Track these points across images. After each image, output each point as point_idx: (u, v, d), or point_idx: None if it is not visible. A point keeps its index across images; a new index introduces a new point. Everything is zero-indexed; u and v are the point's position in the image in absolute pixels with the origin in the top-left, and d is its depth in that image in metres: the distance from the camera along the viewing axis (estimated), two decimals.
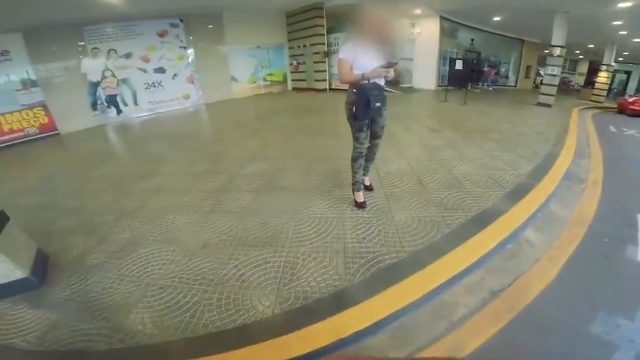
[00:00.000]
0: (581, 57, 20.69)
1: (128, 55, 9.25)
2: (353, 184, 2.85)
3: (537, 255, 2.32)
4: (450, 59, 9.70)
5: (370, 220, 2.61)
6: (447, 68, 11.42)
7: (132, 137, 7.31)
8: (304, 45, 11.19)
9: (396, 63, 2.38)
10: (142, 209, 3.19)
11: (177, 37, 9.81)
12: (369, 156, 2.83)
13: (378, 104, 2.38)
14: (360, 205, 2.83)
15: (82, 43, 8.59)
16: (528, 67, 15.58)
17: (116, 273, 2.23)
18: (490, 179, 3.36)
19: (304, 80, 11.91)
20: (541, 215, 2.82)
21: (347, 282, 1.93)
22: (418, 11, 10.93)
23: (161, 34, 9.58)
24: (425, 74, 12.24)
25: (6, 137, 7.51)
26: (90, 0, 6.54)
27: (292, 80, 12.53)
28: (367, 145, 2.68)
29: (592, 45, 14.98)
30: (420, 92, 11.54)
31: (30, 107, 7.85)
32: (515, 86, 15.56)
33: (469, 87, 12.23)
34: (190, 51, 10.09)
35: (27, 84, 7.80)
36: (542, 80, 9.73)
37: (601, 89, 12.96)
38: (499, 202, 2.88)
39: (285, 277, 2.02)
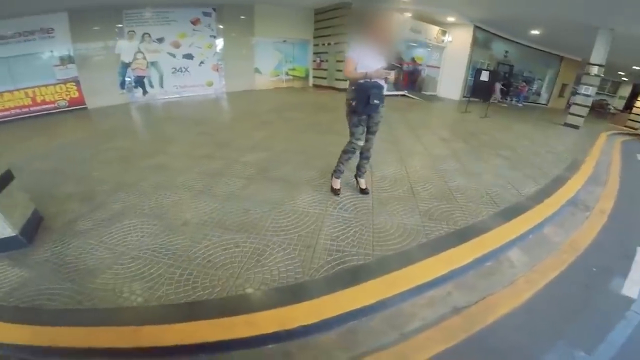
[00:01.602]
0: (625, 79, 19.45)
1: (160, 40, 9.58)
2: (334, 171, 3.06)
3: (514, 277, 2.23)
4: (477, 69, 9.40)
5: (349, 220, 2.61)
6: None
7: (151, 117, 7.61)
8: (328, 44, 11.20)
9: (399, 67, 2.54)
10: (140, 183, 3.33)
11: (209, 26, 10.07)
12: (364, 153, 2.95)
13: (377, 101, 2.56)
14: (335, 192, 3.05)
15: (120, 25, 8.96)
16: (564, 86, 14.83)
17: (97, 240, 2.35)
18: (487, 196, 3.26)
19: (325, 78, 11.91)
20: (532, 237, 2.72)
21: (308, 277, 1.94)
22: (452, 19, 10.67)
23: (194, 22, 9.87)
24: (451, 83, 11.96)
25: (38, 108, 7.98)
26: None
27: (314, 77, 12.56)
28: (362, 142, 2.80)
29: (637, 68, 14.08)
30: (443, 102, 11.29)
31: (65, 82, 8.30)
32: (547, 104, 14.89)
33: (496, 101, 11.85)
34: (219, 40, 10.33)
35: (65, 61, 8.25)
36: (573, 100, 9.24)
37: (638, 115, 12.07)
38: (489, 219, 2.79)
39: (250, 263, 2.06)
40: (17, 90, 7.69)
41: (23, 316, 1.69)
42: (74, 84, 8.41)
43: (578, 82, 9.91)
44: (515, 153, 5.02)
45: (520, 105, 12.64)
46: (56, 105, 8.25)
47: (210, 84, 10.62)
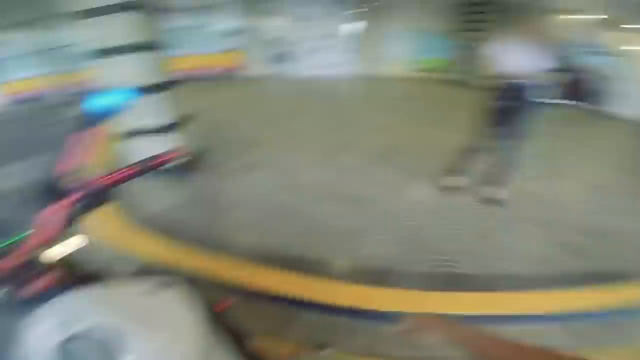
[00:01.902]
0: None
1: (309, 18, 10.42)
2: (455, 170, 2.91)
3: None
4: None
5: (468, 227, 2.49)
6: None
7: (289, 90, 8.58)
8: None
9: (559, 70, 2.34)
10: (276, 143, 4.05)
11: (352, 9, 10.41)
12: (501, 161, 2.70)
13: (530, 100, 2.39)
14: (451, 189, 2.89)
15: (278, 4, 10.14)
16: None
17: (239, 183, 3.01)
18: None
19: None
20: None
21: (399, 266, 1.98)
22: None
23: (337, 4, 10.33)
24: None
25: (206, 72, 9.93)
26: None
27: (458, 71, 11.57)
28: (496, 141, 2.60)
29: None
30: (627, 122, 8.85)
31: (230, 50, 10.10)
32: None
33: None
34: (360, 24, 10.59)
35: (231, 33, 10.00)
36: None
37: None
38: None
39: (353, 236, 2.25)
40: (191, 55, 9.58)
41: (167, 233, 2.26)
42: (236, 53, 10.15)
43: None
44: None
45: None
46: (220, 70, 10.10)
47: (348, 66, 10.97)
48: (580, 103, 9.59)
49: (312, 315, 1.71)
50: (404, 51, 11.13)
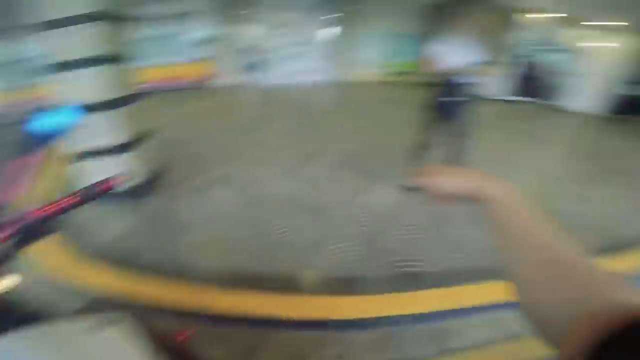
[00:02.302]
0: None
1: (281, 25, 10.42)
2: (411, 169, 2.91)
3: None
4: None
5: (426, 226, 2.58)
6: None
7: (263, 99, 8.51)
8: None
9: (491, 62, 2.55)
10: (241, 156, 3.88)
11: (323, 14, 10.48)
12: (452, 158, 2.79)
13: (461, 99, 2.49)
14: (410, 189, 2.92)
15: (250, 11, 9.95)
16: None
17: (198, 201, 2.91)
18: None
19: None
20: None
21: (363, 273, 2.03)
22: (601, 22, 8.74)
23: (311, 8, 10.38)
24: (589, 92, 9.90)
25: (174, 83, 9.60)
26: None
27: (424, 72, 11.89)
28: (438, 137, 2.73)
29: None
30: (575, 115, 9.46)
31: (197, 61, 9.84)
32: None
33: None
34: (334, 29, 10.72)
35: (200, 42, 9.75)
36: None
37: None
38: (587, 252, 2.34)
39: (315, 247, 2.26)
40: (158, 66, 9.23)
41: (121, 262, 2.14)
42: (204, 63, 9.90)
43: None
44: None
45: None
46: (189, 81, 9.80)
47: (322, 72, 11.02)
48: (536, 98, 10.19)
49: (281, 333, 1.71)
50: (377, 55, 11.37)
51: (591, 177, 3.70)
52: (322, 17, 10.49)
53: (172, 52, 9.55)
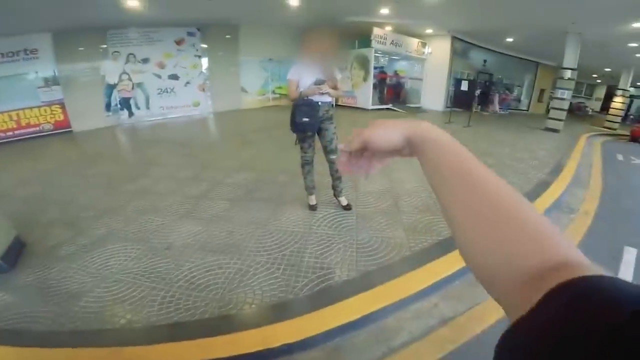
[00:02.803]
0: (599, 81, 20.18)
1: (145, 61, 9.59)
2: (305, 188, 3.09)
3: None
4: (456, 79, 9.64)
5: (333, 237, 2.61)
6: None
7: (135, 140, 7.58)
8: None
9: (324, 81, 2.59)
10: (124, 208, 3.28)
11: (193, 45, 10.16)
12: (331, 174, 2.98)
13: (305, 119, 2.59)
14: (312, 208, 3.08)
15: (105, 46, 8.93)
16: (542, 91, 15.32)
17: (80, 264, 2.31)
18: None
19: None
20: None
21: (291, 295, 1.93)
22: (429, 31, 11.01)
23: (178, 42, 9.94)
24: (433, 94, 12.22)
25: (22, 131, 7.85)
26: (116, 3, 6.80)
27: None
28: (310, 153, 2.88)
29: (609, 70, 14.68)
30: (427, 113, 11.52)
31: (49, 104, 8.19)
32: (527, 110, 15.32)
33: (478, 110, 12.14)
34: (204, 60, 10.42)
35: (50, 82, 8.18)
36: (550, 104, 9.55)
37: (615, 115, 12.44)
38: None
39: (233, 284, 2.04)
40: (1, 113, 7.59)
41: (7, 337, 1.67)
42: (59, 106, 8.30)
43: (554, 86, 10.25)
44: (498, 160, 5.12)
45: (507, 112, 12.85)
46: (41, 128, 8.11)
47: (196, 105, 10.63)
48: (397, 104, 12.06)
49: None
50: (255, 82, 11.56)
51: None
52: (190, 48, 10.12)
53: (10, 96, 7.68)
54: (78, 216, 3.13)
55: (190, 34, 10.01)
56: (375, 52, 10.69)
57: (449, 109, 10.35)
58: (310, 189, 3.07)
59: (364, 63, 11.00)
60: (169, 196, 3.55)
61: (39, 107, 8.08)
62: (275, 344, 1.58)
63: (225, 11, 8.58)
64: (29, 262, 2.37)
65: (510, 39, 10.85)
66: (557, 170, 4.72)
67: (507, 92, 13.73)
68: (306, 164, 2.92)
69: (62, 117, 8.41)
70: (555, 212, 3.45)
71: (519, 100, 15.59)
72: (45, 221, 3.06)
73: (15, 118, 7.78)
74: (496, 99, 12.96)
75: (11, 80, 7.69)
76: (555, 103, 8.93)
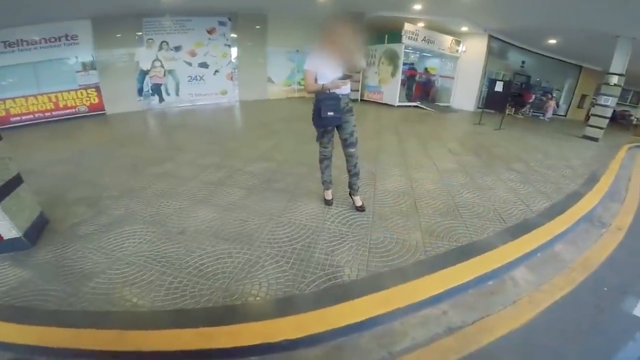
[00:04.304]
0: None
1: (177, 49, 9.85)
2: (322, 183, 3.04)
3: (517, 297, 2.12)
4: (490, 79, 9.20)
5: (345, 235, 2.56)
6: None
7: (164, 125, 7.80)
8: None
9: (351, 76, 2.47)
10: (145, 190, 3.39)
11: (224, 35, 10.31)
12: (349, 169, 2.86)
13: (331, 113, 2.48)
14: (327, 203, 3.04)
15: (140, 33, 9.26)
16: (583, 96, 14.32)
17: (96, 245, 2.40)
18: (494, 212, 3.14)
19: None
20: (540, 256, 2.60)
21: (297, 291, 1.91)
22: (465, 28, 10.57)
23: (210, 31, 10.12)
24: (465, 94, 11.76)
25: (60, 112, 8.34)
26: None
27: None
28: (329, 148, 2.81)
29: None
30: (457, 113, 11.11)
31: (86, 87, 8.64)
32: (565, 116, 14.42)
33: (512, 112, 11.58)
34: (233, 49, 10.56)
35: (87, 67, 8.60)
36: (591, 111, 8.92)
37: None
38: (494, 236, 2.68)
39: (241, 274, 2.04)
40: (41, 94, 8.07)
41: (16, 315, 1.73)
42: (94, 90, 8.74)
43: (597, 92, 9.56)
44: (528, 167, 4.85)
45: (547, 119, 12.01)
46: (77, 110, 8.58)
47: (224, 93, 10.83)
48: (424, 102, 11.71)
49: None
50: (281, 72, 11.60)
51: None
52: (221, 38, 10.27)
53: (51, 79, 8.18)
54: (101, 196, 3.26)
55: (221, 23, 10.15)
56: (406, 48, 10.41)
57: (480, 110, 9.93)
58: (327, 184, 3.02)
59: (393, 58, 10.75)
60: (189, 181, 3.63)
61: (76, 90, 8.53)
62: (276, 338, 1.56)
63: (254, 0, 8.61)
64: (49, 240, 2.49)
65: (552, 41, 10.22)
66: (591, 181, 4.40)
67: (551, 95, 12.85)
68: (325, 159, 2.87)
69: (97, 100, 8.81)
70: (584, 225, 3.23)
71: (557, 105, 14.70)
72: (71, 199, 3.21)
73: (54, 100, 8.25)
74: (552, 104, 12.15)
75: (53, 64, 8.15)
76: (596, 110, 8.33)
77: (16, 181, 2.51)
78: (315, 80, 2.52)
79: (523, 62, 12.22)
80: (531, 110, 12.63)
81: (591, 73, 13.64)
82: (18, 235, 2.33)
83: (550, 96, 12.61)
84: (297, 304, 1.80)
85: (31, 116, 7.98)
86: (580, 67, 13.62)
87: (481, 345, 1.70)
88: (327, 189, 3.05)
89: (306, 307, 1.77)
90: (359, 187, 2.99)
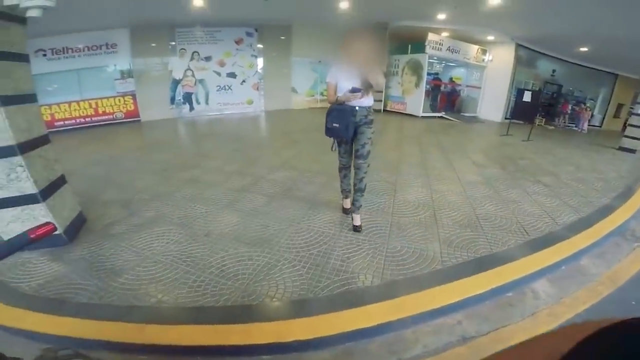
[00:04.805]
0: None
1: (208, 59, 10.33)
2: (341, 191, 3.07)
3: (536, 309, 2.08)
4: (518, 89, 8.94)
5: (362, 243, 2.60)
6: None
7: (194, 132, 8.18)
8: None
9: (360, 90, 2.40)
10: (173, 194, 3.59)
11: (251, 45, 10.71)
12: (354, 182, 2.73)
13: (336, 125, 2.51)
14: (345, 212, 3.07)
15: (173, 43, 9.80)
16: (619, 106, 13.55)
17: (127, 243, 2.58)
18: (517, 224, 3.08)
19: None
20: (564, 269, 2.52)
21: (311, 294, 1.97)
22: (491, 37, 10.39)
23: (237, 42, 10.54)
24: (492, 104, 11.49)
25: (99, 118, 8.96)
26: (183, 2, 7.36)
27: None
28: (346, 159, 2.80)
29: None
30: (483, 123, 10.86)
31: (123, 94, 9.22)
32: (600, 126, 13.68)
33: (542, 123, 11.18)
34: (259, 60, 10.92)
35: (125, 75, 9.20)
36: (628, 121, 8.43)
37: None
38: (515, 248, 2.64)
39: (259, 276, 2.14)
40: (83, 100, 8.70)
41: (50, 306, 1.90)
42: (131, 97, 9.30)
43: (635, 101, 9.04)
44: (557, 180, 4.69)
45: (583, 130, 11.43)
46: (114, 116, 9.17)
47: (250, 103, 11.18)
48: (449, 112, 11.52)
49: None
50: (304, 83, 11.84)
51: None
52: (247, 48, 10.66)
53: (92, 86, 8.82)
54: (133, 198, 3.49)
55: (248, 34, 10.55)
56: (430, 58, 10.36)
57: (508, 121, 9.67)
58: (345, 192, 3.04)
59: (416, 69, 10.71)
60: (215, 187, 3.81)
61: (114, 97, 9.12)
62: (288, 339, 1.63)
63: (279, 12, 8.89)
64: (85, 237, 2.70)
65: (584, 48, 9.83)
66: (626, 195, 4.19)
67: (584, 105, 12.25)
68: (342, 168, 2.89)
69: (132, 107, 9.38)
70: (615, 239, 3.09)
71: (591, 115, 14.00)
72: (106, 200, 3.46)
73: (94, 106, 8.87)
74: (586, 116, 11.64)
75: (94, 72, 8.79)
76: (634, 120, 7.88)
77: (60, 181, 2.75)
78: (331, 92, 2.58)
79: (554, 71, 11.79)
80: (565, 121, 12.11)
81: (628, 81, 12.93)
82: (59, 232, 2.55)
83: (583, 106, 12.05)
84: (310, 307, 1.87)
85: (73, 121, 8.61)
86: (616, 75, 12.95)
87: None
88: (346, 198, 3.09)
89: (319, 311, 1.83)
90: (360, 206, 2.80)
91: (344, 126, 2.50)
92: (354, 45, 2.35)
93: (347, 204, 3.08)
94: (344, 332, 1.69)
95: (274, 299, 1.93)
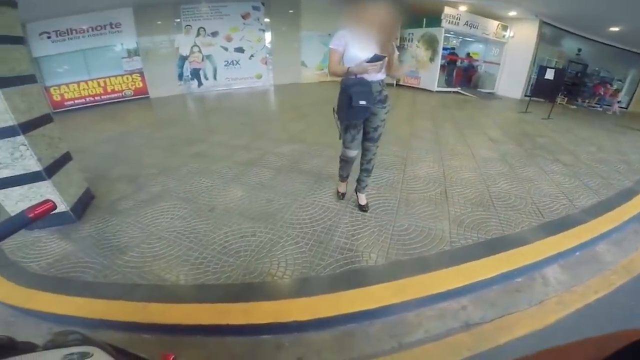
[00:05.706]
0: None
1: (214, 34, 10.09)
2: (338, 175, 2.78)
3: (545, 297, 2.00)
4: (540, 66, 8.43)
5: (368, 220, 2.53)
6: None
7: (202, 108, 8.10)
8: None
9: (384, 56, 1.98)
10: (180, 169, 3.58)
11: (258, 19, 10.38)
12: (363, 165, 2.49)
13: (363, 102, 2.01)
14: (339, 196, 2.84)
15: (178, 20, 9.59)
16: None
17: (134, 219, 2.58)
18: (532, 205, 2.94)
19: None
20: (578, 255, 2.41)
21: (313, 273, 1.93)
22: (513, 13, 9.75)
23: (244, 16, 10.22)
24: (511, 81, 10.94)
25: (108, 96, 8.99)
26: None
27: None
28: (354, 152, 2.38)
29: None
30: (502, 100, 10.39)
31: (131, 73, 9.18)
32: (627, 108, 12.94)
33: (564, 102, 10.64)
34: (267, 34, 10.61)
35: (132, 53, 9.12)
36: None
37: None
38: (529, 231, 2.51)
39: (262, 253, 2.11)
40: (91, 80, 8.71)
41: (58, 286, 1.91)
42: (138, 75, 9.26)
43: None
44: (577, 160, 4.46)
45: (615, 112, 10.68)
46: (123, 94, 9.17)
47: (259, 77, 10.98)
48: (466, 87, 11.08)
49: (238, 339, 1.61)
50: (313, 56, 11.50)
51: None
52: (255, 22, 10.35)
53: (99, 65, 8.80)
54: (140, 174, 3.49)
55: (255, 7, 10.22)
56: (446, 32, 9.84)
57: (527, 98, 9.21)
58: (341, 177, 2.74)
59: (431, 43, 10.22)
60: (221, 161, 3.78)
61: (122, 75, 9.09)
62: (287, 319, 1.60)
63: None
64: (93, 214, 2.71)
65: (615, 28, 9.12)
66: None
67: (610, 85, 11.51)
68: (344, 163, 2.55)
69: (141, 85, 9.34)
70: (635, 225, 2.93)
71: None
72: (114, 176, 3.46)
73: (102, 85, 8.88)
74: (617, 97, 10.88)
75: (100, 51, 8.72)
76: None
77: (65, 159, 2.73)
78: (334, 62, 2.10)
79: (579, 50, 11.07)
80: (595, 102, 11.44)
81: None
82: (66, 210, 2.55)
83: (611, 87, 11.37)
84: (311, 286, 1.83)
85: (82, 100, 8.66)
86: None
87: (497, 344, 1.62)
88: (342, 182, 2.80)
89: (320, 290, 1.79)
90: (367, 185, 2.65)
91: (369, 104, 2.06)
92: (371, 10, 1.92)
93: (343, 188, 2.81)
94: (345, 313, 1.65)
95: (275, 277, 1.90)
